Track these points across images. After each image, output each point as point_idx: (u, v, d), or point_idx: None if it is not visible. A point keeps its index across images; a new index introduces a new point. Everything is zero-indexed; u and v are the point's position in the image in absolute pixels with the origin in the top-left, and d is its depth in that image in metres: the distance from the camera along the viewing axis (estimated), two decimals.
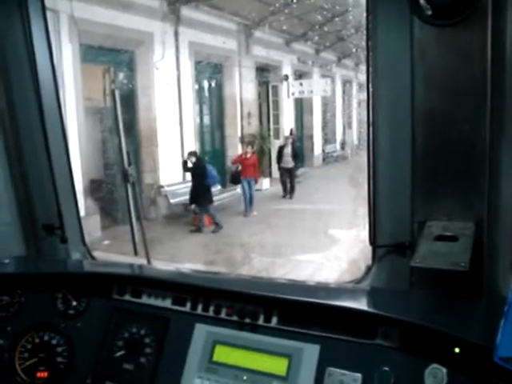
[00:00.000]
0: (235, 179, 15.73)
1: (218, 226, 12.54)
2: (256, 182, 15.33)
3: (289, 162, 17.25)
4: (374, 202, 2.08)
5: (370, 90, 2.03)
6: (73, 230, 2.77)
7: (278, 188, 17.01)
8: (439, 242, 1.85)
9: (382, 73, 1.98)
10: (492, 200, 1.82)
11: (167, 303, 2.18)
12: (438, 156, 1.90)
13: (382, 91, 1.99)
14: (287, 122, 21.16)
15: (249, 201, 14.60)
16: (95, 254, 2.93)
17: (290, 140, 18.04)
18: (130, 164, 2.93)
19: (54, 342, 2.29)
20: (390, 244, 2.08)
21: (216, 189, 14.18)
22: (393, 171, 2.01)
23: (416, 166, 1.93)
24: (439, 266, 1.78)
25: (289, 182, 17.02)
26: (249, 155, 15.34)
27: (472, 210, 1.86)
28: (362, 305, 2.02)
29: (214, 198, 13.37)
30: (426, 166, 1.91)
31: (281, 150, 17.66)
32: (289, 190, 17.04)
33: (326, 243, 10.01)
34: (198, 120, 16.27)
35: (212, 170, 13.43)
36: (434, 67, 1.85)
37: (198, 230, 12.60)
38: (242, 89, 18.11)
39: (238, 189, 15.11)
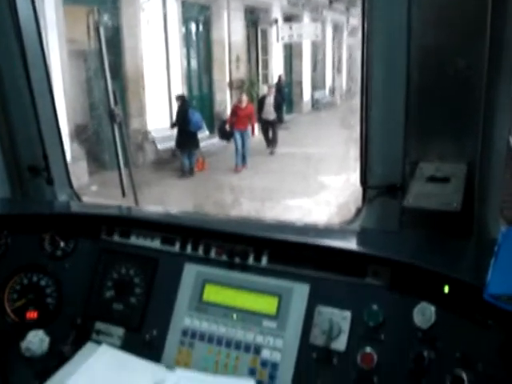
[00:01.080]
0: (224, 133, 14.50)
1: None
2: (253, 133, 14.33)
3: (270, 113, 15.82)
4: (366, 142, 2.06)
5: (366, 28, 1.96)
6: (59, 171, 2.73)
7: None
8: (431, 183, 1.85)
9: (377, 10, 1.91)
10: (485, 141, 1.80)
11: (156, 244, 2.17)
12: (432, 96, 1.87)
13: (377, 28, 1.92)
14: (276, 67, 20.82)
15: (241, 156, 13.61)
16: (83, 199, 2.89)
17: (273, 89, 16.69)
18: (116, 103, 2.85)
19: (42, 283, 2.28)
20: (381, 185, 2.07)
21: (203, 134, 14.05)
22: (386, 111, 1.98)
23: (410, 105, 1.90)
24: (431, 207, 1.78)
25: (271, 134, 15.82)
26: (244, 104, 14.10)
27: (464, 151, 1.85)
28: (352, 245, 2.02)
29: (202, 144, 13.28)
30: (419, 105, 1.89)
31: (262, 100, 16.23)
32: (271, 142, 15.85)
33: (315, 188, 10.02)
34: (185, 64, 15.93)
35: (195, 114, 13.14)
36: (430, 2, 1.78)
37: (184, 175, 12.54)
38: (231, 32, 17.67)
39: None
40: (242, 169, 13.45)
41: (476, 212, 1.86)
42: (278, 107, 16.02)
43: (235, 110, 14.23)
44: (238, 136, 13.66)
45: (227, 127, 14.31)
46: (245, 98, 14.45)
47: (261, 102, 16.12)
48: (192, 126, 12.79)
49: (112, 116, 2.85)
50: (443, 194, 1.79)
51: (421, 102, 1.88)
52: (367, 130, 2.04)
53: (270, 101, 15.86)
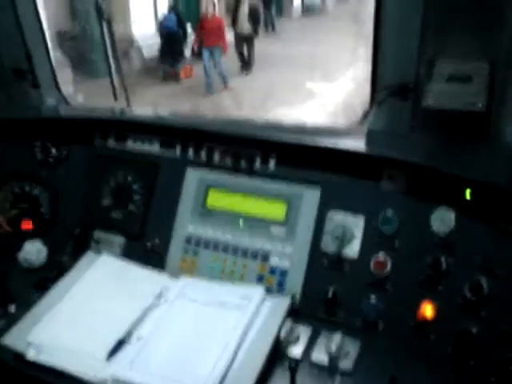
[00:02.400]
0: (192, 52, 12.45)
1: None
2: (225, 50, 11.76)
3: (245, 27, 12.95)
4: (378, 39, 1.90)
5: None
6: (45, 74, 2.54)
7: (256, 40, 16.24)
8: (451, 82, 1.72)
9: None
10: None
11: (155, 148, 2.05)
12: None
13: None
14: None
15: (220, 76, 11.50)
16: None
17: None
18: None
19: (35, 191, 2.18)
20: (392, 86, 1.93)
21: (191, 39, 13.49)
22: (401, 4, 1.80)
23: None
24: (454, 107, 1.67)
25: (246, 52, 13.09)
26: (210, 15, 11.73)
27: (487, 49, 1.70)
28: (364, 147, 1.91)
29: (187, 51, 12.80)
30: None
31: (235, 9, 13.21)
32: (246, 62, 13.17)
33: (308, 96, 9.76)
34: None
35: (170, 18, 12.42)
36: None
37: (166, 80, 12.11)
38: None
39: None
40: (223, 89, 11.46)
41: (494, 113, 1.75)
42: (254, 18, 13.05)
43: (201, 23, 11.94)
44: (206, 55, 11.52)
45: (194, 46, 12.28)
46: (211, 6, 11.99)
47: (234, 13, 13.26)
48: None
49: (99, 11, 2.62)
50: (466, 94, 1.67)
51: None
52: (380, 26, 1.87)
53: (245, 10, 12.99)
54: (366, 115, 2.10)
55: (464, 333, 1.46)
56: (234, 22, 13.04)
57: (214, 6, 12.58)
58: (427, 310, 1.54)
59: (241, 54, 13.01)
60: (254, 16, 13.00)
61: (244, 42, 12.95)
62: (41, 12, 2.54)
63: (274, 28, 17.67)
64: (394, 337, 1.61)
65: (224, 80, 11.54)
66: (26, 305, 1.78)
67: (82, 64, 10.23)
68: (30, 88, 2.51)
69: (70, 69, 10.19)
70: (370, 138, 2.01)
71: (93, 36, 9.38)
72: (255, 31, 13.17)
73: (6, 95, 2.56)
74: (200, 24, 11.89)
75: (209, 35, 11.50)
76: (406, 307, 1.60)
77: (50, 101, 2.53)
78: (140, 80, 11.01)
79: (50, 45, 2.62)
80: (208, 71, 11.38)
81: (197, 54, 12.06)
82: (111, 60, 2.89)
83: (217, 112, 9.11)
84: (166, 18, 12.75)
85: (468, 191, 1.55)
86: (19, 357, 1.60)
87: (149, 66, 13.05)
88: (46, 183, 2.17)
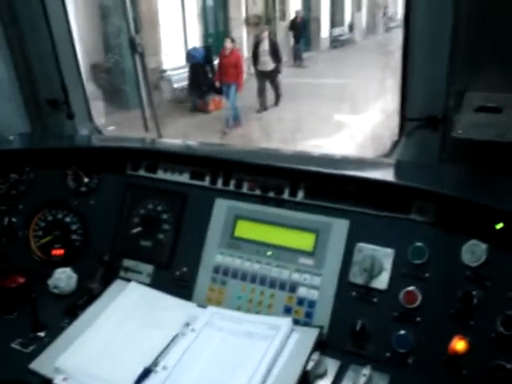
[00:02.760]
0: (213, 87, 12.06)
1: None
2: (239, 88, 11.32)
3: (267, 63, 12.31)
4: (407, 71, 1.91)
5: None
6: (79, 105, 2.63)
7: (285, 72, 16.38)
8: (481, 113, 1.71)
9: None
10: None
11: (185, 178, 2.08)
12: (482, 20, 1.69)
13: None
14: (294, 3, 20.08)
15: (231, 114, 11.19)
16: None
17: (267, 33, 12.83)
18: (137, 32, 2.65)
19: (67, 219, 2.22)
20: (421, 117, 1.93)
21: None
22: (431, 37, 1.83)
23: (457, 30, 1.73)
24: (484, 138, 1.65)
25: (273, 89, 12.53)
26: (228, 51, 11.27)
27: None
28: (392, 177, 1.91)
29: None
30: (468, 30, 1.72)
31: (256, 46, 12.62)
32: (274, 99, 12.59)
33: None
34: (200, 0, 15.41)
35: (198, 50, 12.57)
36: None
37: (195, 110, 12.21)
38: None
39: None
40: (230, 130, 10.93)
41: None
42: (275, 54, 12.44)
43: (220, 58, 11.54)
44: (225, 90, 11.34)
45: (216, 81, 11.89)
46: (229, 42, 11.47)
47: (255, 50, 12.70)
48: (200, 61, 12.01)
49: (133, 45, 2.68)
50: (496, 125, 1.66)
51: (469, 26, 1.71)
52: (409, 57, 1.89)
53: (265, 47, 12.35)
54: (394, 146, 2.10)
55: (498, 368, 1.42)
56: (255, 58, 12.61)
57: (233, 40, 12.11)
58: (459, 344, 1.51)
59: (260, 93, 12.47)
60: (274, 52, 12.48)
61: (267, 79, 12.46)
62: (76, 45, 2.64)
63: (301, 62, 17.83)
64: (424, 371, 1.57)
65: (235, 119, 11.19)
66: (55, 331, 1.80)
67: (114, 96, 10.47)
68: (65, 118, 2.59)
69: (101, 101, 10.45)
70: (399, 168, 2.01)
71: (125, 69, 9.56)
72: (277, 68, 12.54)
73: (42, 125, 2.65)
74: (219, 59, 11.67)
75: (225, 71, 11.25)
76: (436, 341, 1.57)
77: (83, 131, 2.61)
78: (170, 111, 11.17)
79: (84, 77, 2.71)
80: (230, 106, 11.28)
81: (217, 89, 11.93)
82: (143, 92, 2.97)
83: (245, 143, 9.18)
84: (194, 48, 12.94)
85: (500, 223, 1.52)
86: (47, 382, 1.60)
87: (178, 98, 13.28)
88: (78, 211, 2.21)
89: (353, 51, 19.45)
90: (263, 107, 12.28)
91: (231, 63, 11.21)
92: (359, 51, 18.10)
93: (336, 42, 22.59)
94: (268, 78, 12.46)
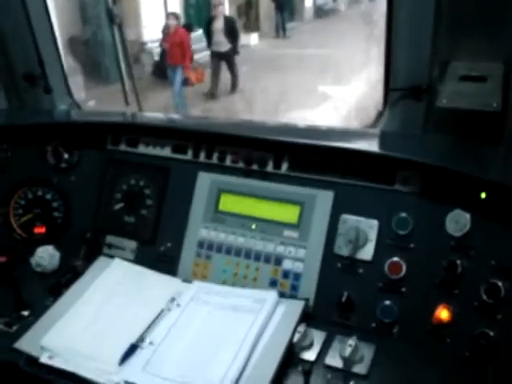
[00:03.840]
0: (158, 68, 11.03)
1: None
2: (186, 70, 10.25)
3: (221, 44, 10.82)
4: (391, 41, 1.89)
5: None
6: (57, 79, 2.57)
7: (268, 44, 16.14)
8: (465, 82, 1.70)
9: None
10: None
11: (167, 152, 2.04)
12: None
13: None
14: None
15: (178, 101, 10.09)
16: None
17: (220, 8, 11.30)
18: (115, 2, 2.57)
19: (48, 196, 2.19)
20: (405, 87, 1.92)
21: (200, 45, 13.48)
22: (414, 5, 1.79)
23: None
24: (468, 107, 1.64)
25: (230, 73, 11.13)
26: (172, 29, 10.10)
27: (501, 49, 1.69)
28: (377, 148, 1.90)
29: (200, 55, 12.78)
30: None
31: (209, 23, 11.14)
32: (230, 85, 11.11)
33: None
34: None
35: None
36: None
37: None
38: None
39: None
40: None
41: (510, 115, 1.72)
42: (231, 33, 10.92)
43: (163, 37, 10.50)
44: (170, 73, 10.09)
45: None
46: (172, 20, 10.24)
47: (208, 28, 11.20)
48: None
49: (111, 16, 2.61)
50: (481, 94, 1.65)
51: None
52: (393, 27, 1.86)
53: (219, 25, 10.83)
54: (379, 117, 2.09)
55: (481, 336, 1.44)
56: (209, 37, 11.18)
57: (177, 17, 10.64)
58: (443, 313, 1.52)
59: (214, 76, 11.05)
60: (230, 30, 10.95)
61: (221, 60, 11.03)
62: (52, 18, 2.56)
63: (285, 33, 17.59)
64: (409, 340, 1.59)
65: (183, 107, 10.06)
66: (39, 309, 1.78)
67: (93, 70, 10.27)
68: (42, 93, 2.53)
69: (81, 76, 10.26)
70: (384, 139, 2.00)
71: (104, 41, 9.28)
72: (233, 49, 11.00)
73: (19, 101, 2.59)
74: (163, 38, 10.65)
75: (170, 52, 10.09)
76: (421, 310, 1.58)
77: (62, 106, 2.55)
78: (151, 85, 10.97)
79: (61, 50, 2.64)
80: (175, 91, 10.19)
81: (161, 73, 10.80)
82: (122, 65, 2.90)
83: (229, 115, 9.07)
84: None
85: (484, 193, 1.52)
86: (32, 360, 1.59)
87: (160, 70, 13.08)
88: (59, 188, 2.18)
89: (337, 21, 19.22)
90: (212, 94, 10.85)
91: (175, 42, 9.98)
92: (344, 21, 17.89)
93: (320, 12, 22.34)
94: (223, 59, 11.01)
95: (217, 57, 10.95)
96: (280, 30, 17.67)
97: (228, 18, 11.35)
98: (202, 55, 13.10)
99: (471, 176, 1.53)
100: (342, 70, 10.33)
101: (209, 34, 11.06)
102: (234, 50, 11.06)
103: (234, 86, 11.16)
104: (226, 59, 10.98)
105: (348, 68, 10.30)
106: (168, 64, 10.15)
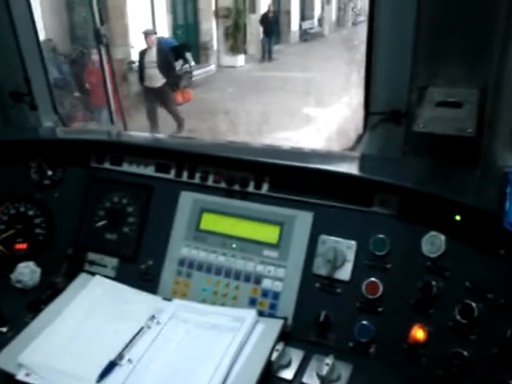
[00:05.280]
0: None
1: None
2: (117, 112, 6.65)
3: (154, 78, 9.69)
4: (371, 66, 1.94)
5: None
6: (43, 96, 2.58)
7: (254, 66, 16.31)
8: (442, 107, 1.75)
9: None
10: (501, 65, 1.69)
11: (150, 171, 2.07)
12: (444, 15, 1.73)
13: None
14: None
15: None
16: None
17: (153, 38, 9.98)
18: (102, 23, 2.64)
19: (30, 213, 2.19)
20: (384, 111, 1.96)
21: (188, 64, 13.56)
22: (393, 33, 1.85)
23: (419, 27, 1.76)
24: (444, 132, 1.68)
25: (169, 113, 10.00)
26: (97, 64, 7.46)
27: (477, 76, 1.74)
28: (357, 170, 1.93)
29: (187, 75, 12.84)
30: (430, 26, 1.75)
31: (142, 55, 9.97)
32: (177, 123, 10.00)
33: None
34: None
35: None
36: None
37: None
38: None
39: (213, 65, 14.23)
40: None
41: (485, 139, 1.77)
42: (164, 66, 9.73)
43: (86, 73, 9.12)
44: (98, 116, 8.72)
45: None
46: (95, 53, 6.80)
47: (140, 60, 10.02)
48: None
49: (98, 36, 2.65)
50: (456, 119, 1.69)
51: (431, 23, 1.74)
52: (373, 52, 1.91)
53: (152, 56, 9.69)
54: (359, 140, 2.13)
55: (455, 355, 1.46)
56: (141, 71, 9.92)
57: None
58: (418, 333, 1.55)
59: (150, 116, 9.86)
60: (163, 62, 9.73)
61: (156, 97, 9.81)
62: (40, 35, 2.58)
63: (270, 56, 17.72)
64: (385, 360, 1.61)
65: None
66: (18, 326, 1.77)
67: (81, 88, 10.27)
68: (28, 110, 2.54)
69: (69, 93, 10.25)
70: (363, 162, 2.04)
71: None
72: (169, 84, 9.77)
73: (4, 117, 2.59)
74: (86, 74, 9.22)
75: (95, 91, 8.50)
76: (397, 330, 1.60)
77: (48, 123, 2.56)
78: (136, 104, 10.98)
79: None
80: None
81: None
82: (108, 85, 2.93)
83: (213, 136, 9.11)
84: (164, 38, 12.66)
85: (458, 216, 1.56)
86: (9, 378, 1.58)
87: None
88: (41, 204, 2.18)
89: (322, 45, 19.56)
90: (154, 126, 9.76)
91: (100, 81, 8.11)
92: (328, 45, 18.20)
93: (306, 35, 22.69)
94: (158, 97, 9.82)
95: (150, 94, 9.84)
96: (266, 54, 17.84)
97: (161, 49, 10.04)
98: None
99: (446, 199, 1.57)
100: (324, 92, 10.47)
101: (141, 67, 9.96)
102: (171, 85, 10.01)
103: (179, 125, 10.06)
104: (160, 97, 9.81)
105: (330, 91, 10.44)
106: (94, 105, 8.89)
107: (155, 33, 10.36)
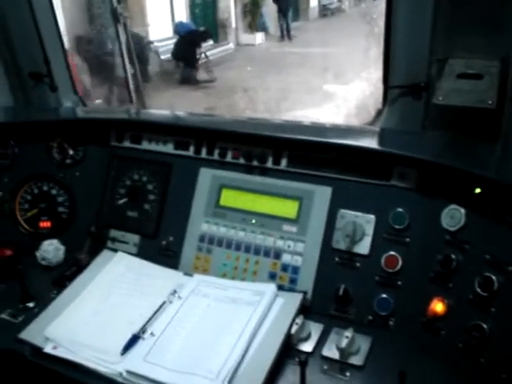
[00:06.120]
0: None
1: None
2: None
3: None
4: (390, 39, 1.91)
5: None
6: (62, 77, 2.59)
7: (273, 43, 16.12)
8: (462, 79, 1.72)
9: None
10: None
11: (169, 148, 2.08)
12: None
13: None
14: None
15: None
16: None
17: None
18: (119, 1, 2.62)
19: (53, 191, 2.23)
20: (404, 84, 1.94)
21: (207, 44, 13.52)
22: (413, 3, 1.81)
23: None
24: (464, 104, 1.66)
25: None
26: None
27: (498, 47, 1.70)
28: (375, 145, 1.92)
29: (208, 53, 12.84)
30: None
31: None
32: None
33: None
34: None
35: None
36: None
37: (184, 81, 12.00)
38: None
39: (231, 44, 14.14)
40: None
41: (506, 112, 1.74)
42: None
43: None
44: None
45: None
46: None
47: None
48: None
49: (115, 15, 2.64)
50: (477, 91, 1.67)
51: None
52: (391, 25, 1.88)
53: None
54: (378, 114, 2.11)
55: (474, 328, 1.46)
56: None
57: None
58: (438, 306, 1.55)
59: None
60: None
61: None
62: (59, 17, 2.59)
63: (289, 36, 17.38)
64: (404, 333, 1.62)
65: None
66: (44, 301, 1.83)
67: (100, 69, 10.31)
68: (48, 91, 2.56)
69: (87, 75, 10.29)
70: (382, 136, 2.02)
71: (110, 40, 9.31)
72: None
73: (25, 98, 2.62)
74: None
75: None
76: (416, 303, 1.61)
77: (68, 103, 2.59)
78: (156, 84, 11.04)
79: (68, 49, 2.66)
80: None
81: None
82: (127, 63, 2.93)
83: (232, 114, 9.10)
84: (181, 23, 12.73)
85: (478, 188, 1.55)
86: (37, 350, 1.63)
87: (166, 69, 13.13)
88: (64, 183, 2.22)
89: (341, 20, 19.25)
90: None
91: None
92: (347, 20, 17.89)
93: (325, 11, 22.34)
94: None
95: None
96: (285, 33, 17.47)
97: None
98: (208, 54, 13.21)
99: (465, 172, 1.56)
100: (343, 68, 10.34)
101: None
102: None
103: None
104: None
105: (349, 66, 10.31)
106: None
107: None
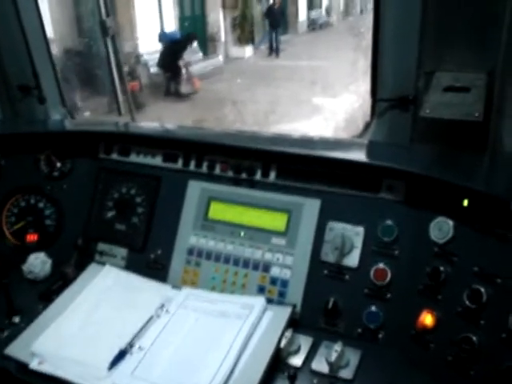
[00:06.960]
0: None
1: None
2: None
3: None
4: (377, 52, 1.92)
5: None
6: (51, 89, 2.59)
7: (262, 57, 16.18)
8: (449, 92, 1.74)
9: None
10: (509, 47, 1.67)
11: (158, 161, 2.08)
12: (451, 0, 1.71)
13: None
14: None
15: None
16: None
17: None
18: (108, 15, 2.60)
19: (40, 204, 2.21)
20: (392, 97, 1.95)
21: (196, 57, 13.55)
22: (400, 17, 1.83)
23: (426, 11, 1.75)
24: (451, 117, 1.68)
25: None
26: None
27: (484, 60, 1.72)
28: (364, 157, 1.93)
29: (196, 67, 12.86)
30: (437, 10, 1.73)
31: None
32: None
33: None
34: None
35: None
36: None
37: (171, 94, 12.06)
38: None
39: (220, 57, 14.15)
40: None
41: (492, 124, 1.76)
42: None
43: None
44: None
45: None
46: None
47: None
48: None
49: (104, 29, 2.63)
50: (464, 104, 1.69)
51: (438, 6, 1.73)
52: (379, 38, 1.90)
53: None
54: (367, 127, 2.12)
55: (464, 341, 1.46)
56: None
57: None
58: (427, 318, 1.55)
59: None
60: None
61: None
62: (48, 30, 2.59)
63: (277, 53, 17.16)
64: (394, 346, 1.61)
65: None
66: (30, 316, 1.80)
67: (89, 82, 10.29)
68: (37, 104, 2.55)
69: (77, 87, 10.26)
70: (371, 149, 2.03)
71: (99, 53, 9.42)
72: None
73: (13, 111, 2.61)
74: None
75: None
76: (406, 316, 1.61)
77: (56, 116, 2.58)
78: (144, 97, 11.04)
79: (57, 62, 2.66)
80: None
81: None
82: (115, 76, 2.92)
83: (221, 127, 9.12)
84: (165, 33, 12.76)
85: (466, 200, 1.56)
86: (22, 366, 1.61)
87: (155, 82, 13.14)
88: (51, 196, 2.20)
89: (329, 34, 19.42)
90: None
91: None
92: (336, 34, 18.06)
93: (314, 25, 22.52)
94: None
95: None
96: (274, 46, 17.29)
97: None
98: (197, 67, 13.24)
99: (453, 184, 1.57)
100: (332, 80, 10.41)
101: None
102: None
103: None
104: None
105: (337, 79, 10.38)
106: None
107: None
